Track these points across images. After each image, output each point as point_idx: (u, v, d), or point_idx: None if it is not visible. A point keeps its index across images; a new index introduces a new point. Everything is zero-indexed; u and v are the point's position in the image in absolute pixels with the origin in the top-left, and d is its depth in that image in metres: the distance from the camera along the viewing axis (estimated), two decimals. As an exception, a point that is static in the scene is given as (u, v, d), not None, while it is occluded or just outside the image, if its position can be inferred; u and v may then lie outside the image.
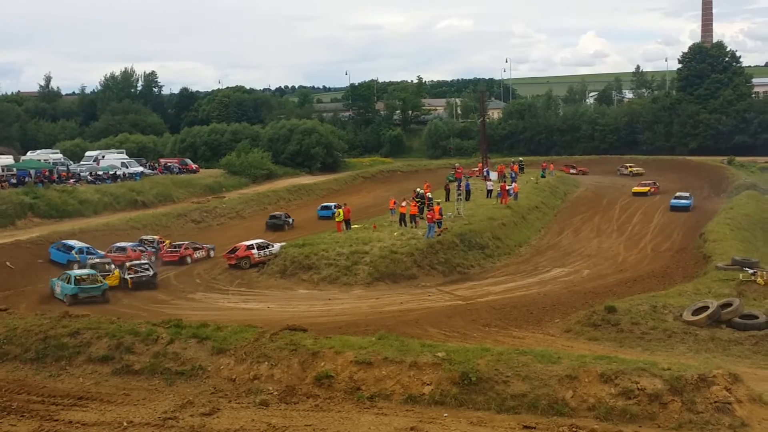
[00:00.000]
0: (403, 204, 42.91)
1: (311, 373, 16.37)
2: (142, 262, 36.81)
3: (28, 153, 77.86)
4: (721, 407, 13.95)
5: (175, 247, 42.03)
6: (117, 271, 35.10)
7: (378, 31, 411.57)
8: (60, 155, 75.68)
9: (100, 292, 31.88)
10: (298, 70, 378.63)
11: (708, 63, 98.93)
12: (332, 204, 57.34)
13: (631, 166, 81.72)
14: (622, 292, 30.29)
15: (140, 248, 40.54)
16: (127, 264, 35.75)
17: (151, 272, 35.32)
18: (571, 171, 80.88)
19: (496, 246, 41.69)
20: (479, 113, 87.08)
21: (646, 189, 64.21)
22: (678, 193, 58.21)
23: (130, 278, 34.33)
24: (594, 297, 29.48)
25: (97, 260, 36.71)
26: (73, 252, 39.08)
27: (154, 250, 41.54)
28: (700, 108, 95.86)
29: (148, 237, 43.96)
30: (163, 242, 43.03)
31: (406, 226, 41.02)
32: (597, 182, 75.40)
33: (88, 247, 39.76)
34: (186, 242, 43.06)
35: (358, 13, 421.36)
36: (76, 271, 33.25)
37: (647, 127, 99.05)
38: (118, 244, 40.86)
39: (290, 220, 53.95)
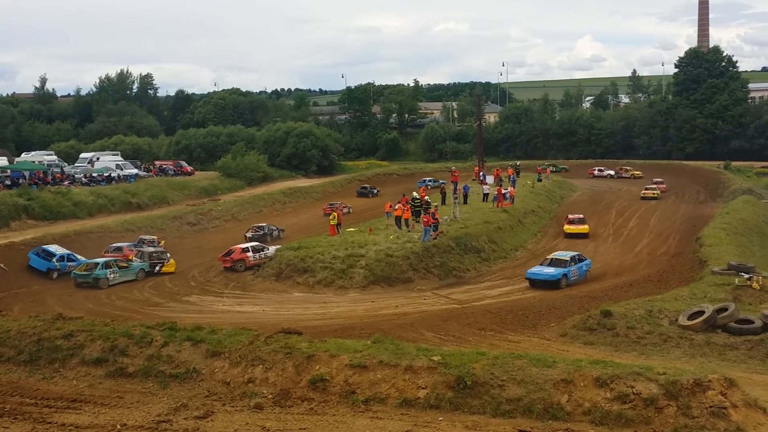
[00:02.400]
0: (398, 207, 42.89)
1: (306, 377, 16.31)
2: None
3: (23, 154, 77.81)
4: (717, 412, 13.91)
5: (332, 205, 59.33)
6: (173, 260, 39.74)
7: (375, 34, 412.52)
8: (54, 157, 75.54)
9: (91, 279, 35.42)
10: (295, 72, 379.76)
11: (704, 68, 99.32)
12: (428, 178, 78.84)
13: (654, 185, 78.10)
14: (617, 296, 30.25)
15: (138, 248, 40.45)
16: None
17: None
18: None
19: (492, 250, 41.66)
20: (476, 117, 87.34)
21: (584, 229, 48.73)
22: (554, 255, 36.55)
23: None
24: (590, 301, 29.45)
25: (153, 249, 40.21)
26: (54, 260, 37.63)
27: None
28: (696, 112, 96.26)
29: (147, 237, 44.10)
30: (160, 242, 43.16)
31: (399, 229, 40.94)
32: (593, 186, 75.55)
33: (69, 254, 38.62)
34: (338, 202, 61.65)
35: (355, 17, 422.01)
36: (95, 260, 37.21)
37: (643, 131, 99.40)
38: (115, 245, 40.92)
39: (375, 191, 74.47)
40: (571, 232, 48.03)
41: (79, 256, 38.89)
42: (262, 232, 48.40)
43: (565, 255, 35.94)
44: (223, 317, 28.16)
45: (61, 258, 37.96)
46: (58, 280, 36.77)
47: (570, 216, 51.04)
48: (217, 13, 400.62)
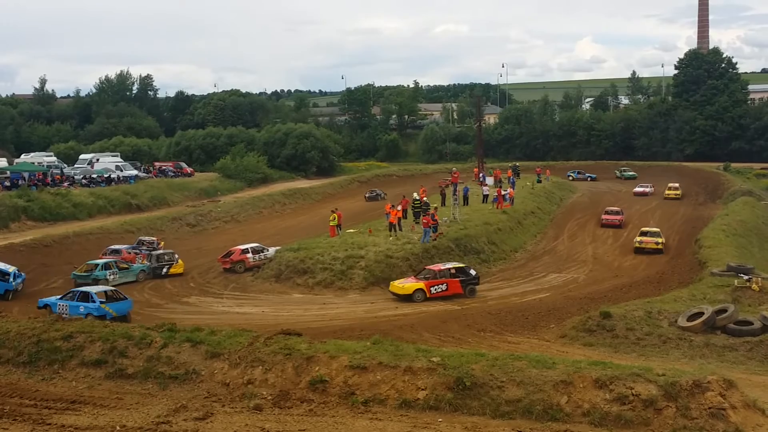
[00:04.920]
0: (399, 208, 42.81)
1: (305, 378, 16.33)
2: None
3: (22, 156, 77.66)
4: (716, 413, 13.95)
5: (451, 174, 64.39)
6: (181, 261, 39.22)
7: (375, 35, 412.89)
8: (54, 158, 75.39)
9: (91, 281, 34.50)
10: (295, 73, 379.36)
11: (704, 69, 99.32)
12: (576, 171, 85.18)
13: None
14: (617, 297, 30.29)
15: (135, 251, 40.28)
16: None
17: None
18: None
19: (492, 251, 41.65)
20: (475, 118, 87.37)
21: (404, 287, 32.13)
22: None
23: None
24: (589, 302, 29.48)
25: (161, 251, 39.63)
26: (11, 279, 32.70)
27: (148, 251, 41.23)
28: (696, 114, 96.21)
29: (146, 238, 43.95)
30: (160, 243, 43.02)
31: (400, 230, 40.75)
32: (592, 188, 75.55)
33: (15, 270, 33.76)
34: (450, 176, 64.57)
35: (355, 18, 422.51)
36: (95, 261, 36.79)
37: (643, 132, 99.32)
38: (112, 247, 40.64)
39: (516, 168, 73.37)
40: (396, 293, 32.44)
41: (21, 273, 34.50)
42: (375, 194, 69.48)
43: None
44: (223, 318, 28.14)
45: (14, 276, 33.19)
46: (15, 301, 31.98)
47: (430, 266, 34.07)
48: (217, 14, 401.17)
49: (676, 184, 69.90)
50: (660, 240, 43.48)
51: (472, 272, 33.28)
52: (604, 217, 53.38)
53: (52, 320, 20.26)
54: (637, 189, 71.03)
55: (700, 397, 14.25)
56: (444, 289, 31.96)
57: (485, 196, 53.70)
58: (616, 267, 39.89)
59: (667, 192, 68.08)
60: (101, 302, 27.69)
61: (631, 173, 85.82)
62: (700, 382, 14.48)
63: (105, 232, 46.83)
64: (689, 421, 13.92)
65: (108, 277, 35.53)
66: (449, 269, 32.69)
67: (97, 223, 49.80)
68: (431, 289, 31.82)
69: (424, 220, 38.86)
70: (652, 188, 71.17)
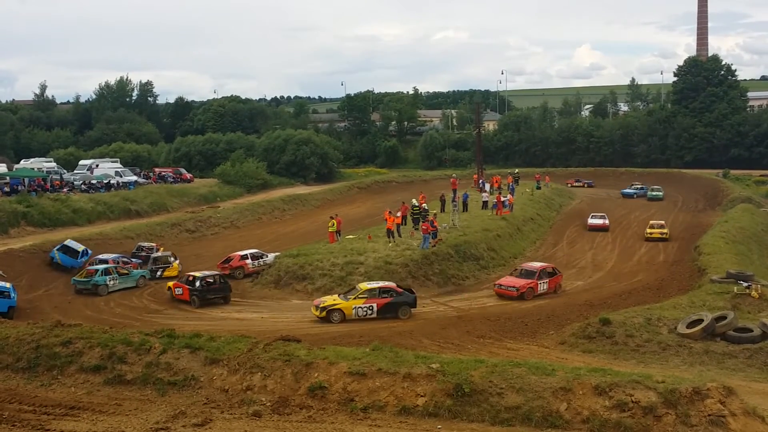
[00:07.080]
0: (398, 215, 42.86)
1: (304, 384, 16.31)
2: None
3: (22, 161, 77.64)
4: (715, 420, 13.93)
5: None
6: (176, 263, 39.85)
7: (374, 42, 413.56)
8: (54, 164, 75.44)
9: (90, 286, 35.29)
10: (294, 80, 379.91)
11: (703, 76, 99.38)
12: (638, 183, 78.36)
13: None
14: (616, 304, 30.27)
15: (123, 259, 39.79)
16: None
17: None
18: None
19: (491, 257, 41.65)
20: (475, 125, 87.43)
21: None
22: None
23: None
24: (588, 309, 29.46)
25: (159, 254, 40.52)
26: (12, 296, 31.10)
27: (139, 261, 40.95)
28: (695, 121, 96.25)
29: (146, 244, 43.94)
30: (159, 249, 42.95)
31: (399, 236, 40.78)
32: (592, 194, 75.59)
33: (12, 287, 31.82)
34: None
35: (354, 25, 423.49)
36: (94, 267, 36.89)
37: (642, 139, 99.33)
38: (100, 257, 39.95)
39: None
40: None
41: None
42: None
43: None
44: (222, 324, 28.13)
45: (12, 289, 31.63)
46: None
47: None
48: (217, 20, 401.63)
49: (662, 221, 53.22)
50: None
51: (197, 284, 33.22)
52: None
53: (50, 326, 20.24)
54: (592, 221, 54.98)
55: (699, 404, 14.24)
56: (179, 293, 33.96)
57: (485, 203, 53.72)
58: (615, 273, 39.89)
59: (649, 231, 50.55)
60: None
61: (656, 193, 72.90)
62: (700, 389, 14.47)
63: (104, 237, 46.76)
64: (689, 428, 13.91)
65: (108, 282, 35.51)
66: (188, 276, 34.49)
67: (96, 229, 49.73)
68: (176, 290, 34.19)
69: (424, 227, 38.87)
70: (607, 220, 55.23)
